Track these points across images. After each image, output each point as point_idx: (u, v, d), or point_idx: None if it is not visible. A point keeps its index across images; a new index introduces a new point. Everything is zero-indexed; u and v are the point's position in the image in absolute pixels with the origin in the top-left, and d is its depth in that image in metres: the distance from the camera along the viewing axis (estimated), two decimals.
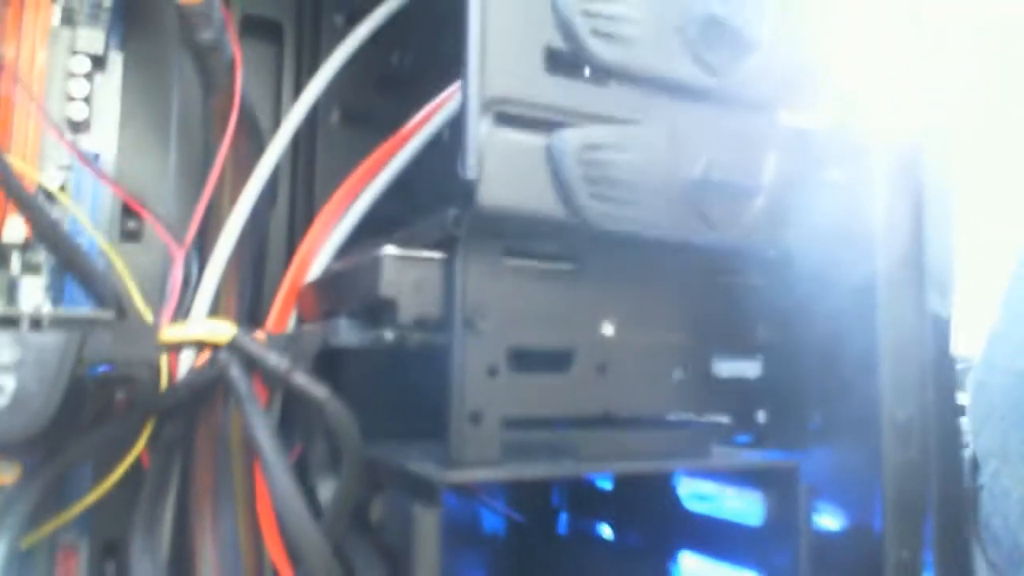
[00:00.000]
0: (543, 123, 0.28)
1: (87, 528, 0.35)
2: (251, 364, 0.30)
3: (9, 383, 0.25)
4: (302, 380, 0.29)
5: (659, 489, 0.36)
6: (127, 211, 0.39)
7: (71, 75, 0.38)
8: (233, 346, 0.30)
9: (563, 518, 0.44)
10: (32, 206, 0.32)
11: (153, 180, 0.40)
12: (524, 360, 0.29)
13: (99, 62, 0.39)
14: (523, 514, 0.45)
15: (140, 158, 0.40)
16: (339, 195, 0.40)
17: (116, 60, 0.40)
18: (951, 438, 0.32)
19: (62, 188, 0.37)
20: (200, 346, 0.31)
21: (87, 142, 0.39)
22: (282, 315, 0.37)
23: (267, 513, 0.31)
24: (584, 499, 0.42)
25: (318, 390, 0.29)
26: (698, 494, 0.38)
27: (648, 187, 0.29)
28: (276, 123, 0.44)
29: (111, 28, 0.39)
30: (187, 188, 0.40)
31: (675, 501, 0.36)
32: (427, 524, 0.25)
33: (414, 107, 0.40)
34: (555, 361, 0.30)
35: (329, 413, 0.28)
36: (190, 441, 0.33)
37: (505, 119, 0.27)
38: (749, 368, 0.34)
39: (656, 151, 0.29)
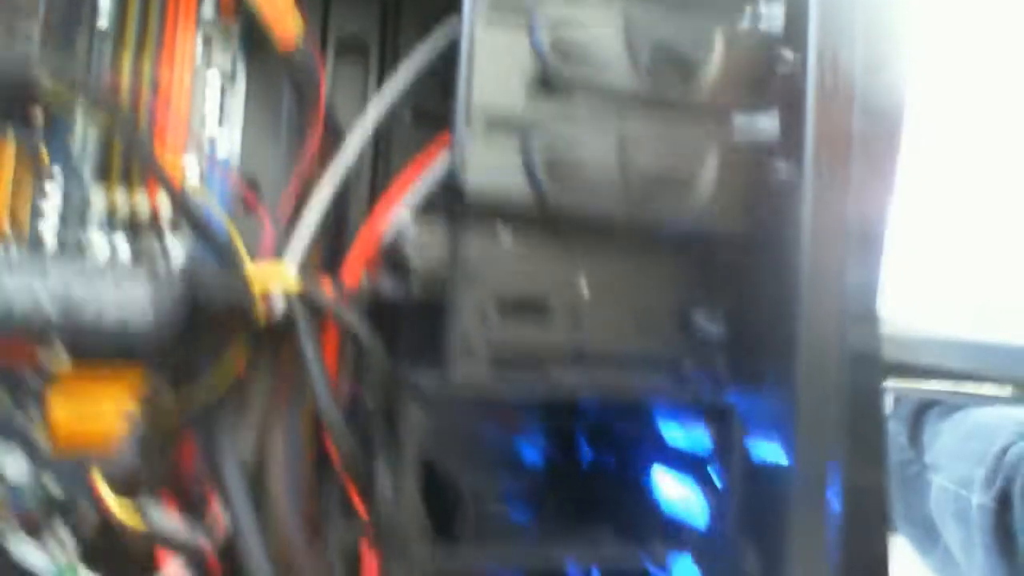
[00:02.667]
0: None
1: None
2: (313, 306, 0.41)
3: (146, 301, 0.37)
4: (347, 316, 0.39)
5: (644, 425, 0.44)
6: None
7: (208, 89, 0.51)
8: (301, 293, 0.41)
9: (585, 453, 0.52)
10: (179, 198, 0.44)
11: (268, 169, 0.52)
12: (511, 309, 0.38)
13: (228, 78, 0.51)
14: (556, 449, 0.53)
15: (259, 152, 0.52)
16: (407, 173, 0.49)
17: (241, 75, 0.52)
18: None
19: (201, 178, 0.50)
20: None
21: (220, 142, 0.51)
22: (353, 267, 0.47)
23: None
24: (597, 437, 0.50)
25: (354, 322, 0.39)
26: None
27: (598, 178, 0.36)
28: None
29: (237, 50, 0.51)
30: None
31: (656, 433, 0.43)
32: (414, 416, 0.34)
33: None
34: (537, 310, 0.38)
35: (361, 338, 0.39)
36: (276, 356, 0.44)
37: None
38: (712, 324, 0.40)
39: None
